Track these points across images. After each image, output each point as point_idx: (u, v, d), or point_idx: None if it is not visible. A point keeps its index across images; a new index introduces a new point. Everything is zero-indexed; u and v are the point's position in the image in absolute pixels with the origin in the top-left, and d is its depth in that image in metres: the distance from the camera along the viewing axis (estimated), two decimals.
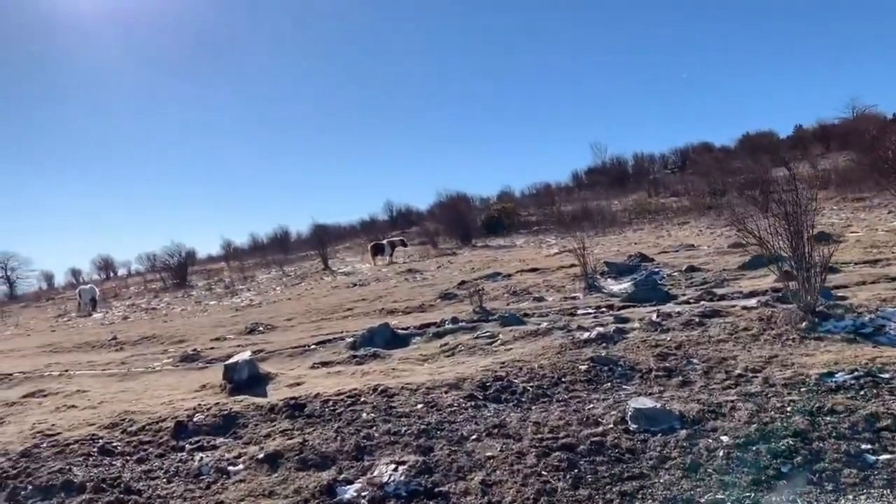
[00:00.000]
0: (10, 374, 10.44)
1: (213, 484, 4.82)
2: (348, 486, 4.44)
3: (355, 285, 20.58)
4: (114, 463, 5.49)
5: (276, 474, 4.79)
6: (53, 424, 6.65)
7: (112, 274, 58.30)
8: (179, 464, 5.28)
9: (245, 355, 7.50)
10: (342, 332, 10.47)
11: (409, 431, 5.15)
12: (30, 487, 5.18)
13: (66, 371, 10.08)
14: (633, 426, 4.86)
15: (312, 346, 9.51)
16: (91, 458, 5.61)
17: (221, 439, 5.75)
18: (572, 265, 15.96)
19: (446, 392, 6.05)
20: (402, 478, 4.40)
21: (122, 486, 5.01)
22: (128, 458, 5.58)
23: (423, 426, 5.22)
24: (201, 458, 5.30)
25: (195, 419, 6.11)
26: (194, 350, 10.48)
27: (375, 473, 4.53)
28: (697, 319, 7.38)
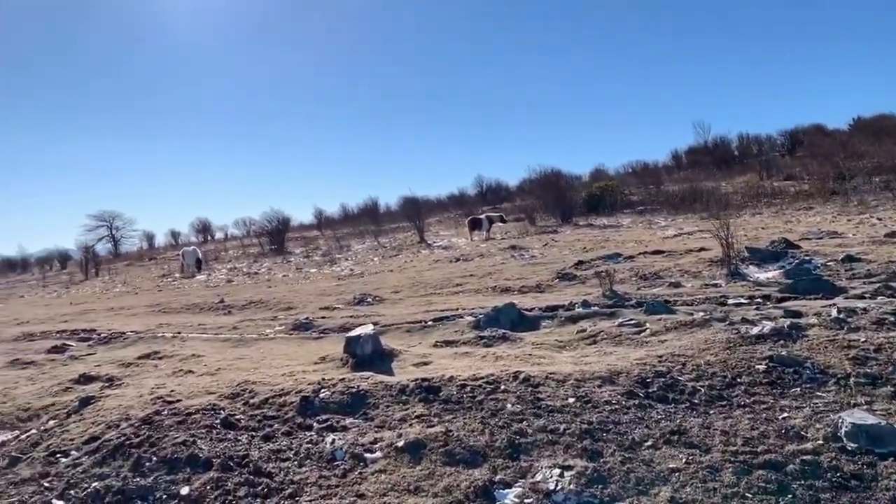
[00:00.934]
0: (124, 333, 10.64)
1: (350, 472, 4.41)
2: (507, 490, 3.91)
3: (458, 260, 20.15)
4: (239, 438, 5.21)
5: (420, 467, 4.32)
6: (173, 390, 6.51)
7: (209, 237, 60.69)
8: (310, 445, 4.92)
9: (368, 329, 7.13)
10: (458, 309, 10.01)
11: (568, 430, 4.56)
12: (154, 459, 4.97)
13: (179, 333, 10.14)
14: (850, 445, 4.07)
15: (430, 323, 9.09)
16: (215, 431, 5.36)
17: (351, 420, 5.36)
18: (702, 249, 14.85)
19: (599, 386, 5.41)
20: (572, 486, 3.82)
21: (250, 465, 4.69)
22: (253, 433, 5.28)
23: (583, 425, 4.62)
24: (333, 440, 4.91)
25: (321, 395, 5.77)
26: (306, 318, 10.31)
27: (538, 478, 3.97)
28: (893, 318, 6.36)
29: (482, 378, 5.75)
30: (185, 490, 4.49)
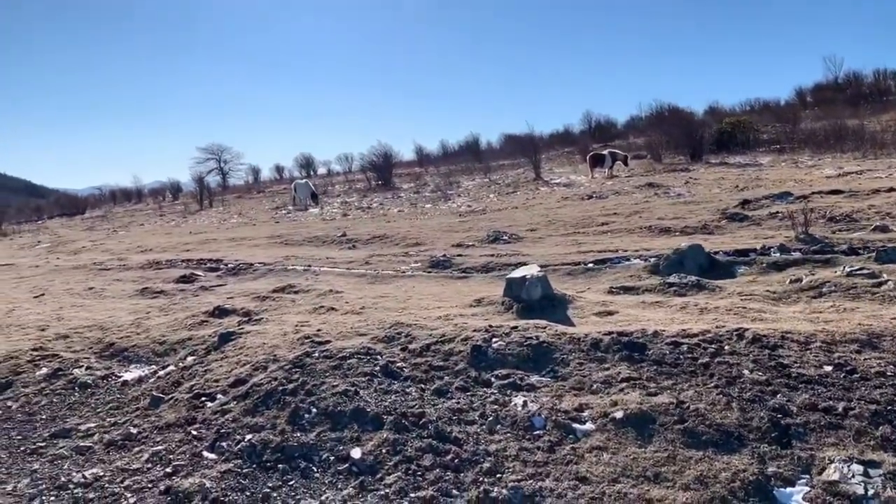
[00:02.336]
0: (251, 265, 10.36)
1: (558, 447, 3.62)
2: (790, 489, 3.01)
3: (590, 198, 18.91)
4: (407, 391, 4.53)
5: (653, 447, 3.47)
6: (319, 329, 5.96)
7: (312, 172, 61.56)
8: (496, 406, 4.17)
9: (533, 270, 6.29)
10: (616, 251, 9.00)
11: (851, 411, 3.54)
12: (314, 410, 4.38)
13: (309, 267, 9.71)
14: None
15: (591, 265, 8.15)
16: (376, 380, 4.72)
17: (537, 377, 4.56)
18: (892, 189, 12.97)
19: (857, 352, 4.34)
20: (892, 491, 2.82)
21: (429, 427, 4.00)
22: (422, 386, 4.60)
23: (870, 405, 3.57)
24: (524, 402, 4.14)
25: (494, 345, 5.00)
26: (443, 256, 9.62)
27: (833, 476, 3.01)
28: None
29: (695, 335, 4.78)
30: (356, 452, 3.85)
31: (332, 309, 6.94)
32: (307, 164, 62.56)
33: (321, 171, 61.40)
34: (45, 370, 6.09)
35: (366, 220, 19.30)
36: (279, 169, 61.30)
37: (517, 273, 6.39)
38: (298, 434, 4.17)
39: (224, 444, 4.22)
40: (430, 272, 8.96)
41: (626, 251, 8.91)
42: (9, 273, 12.21)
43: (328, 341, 5.63)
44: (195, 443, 4.33)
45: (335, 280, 8.69)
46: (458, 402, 4.31)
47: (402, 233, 13.58)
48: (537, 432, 3.85)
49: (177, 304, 8.07)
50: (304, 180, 33.10)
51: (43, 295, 9.42)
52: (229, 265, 10.55)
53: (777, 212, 11.16)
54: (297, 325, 6.22)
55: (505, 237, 11.71)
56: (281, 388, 4.74)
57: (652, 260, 7.91)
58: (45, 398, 5.58)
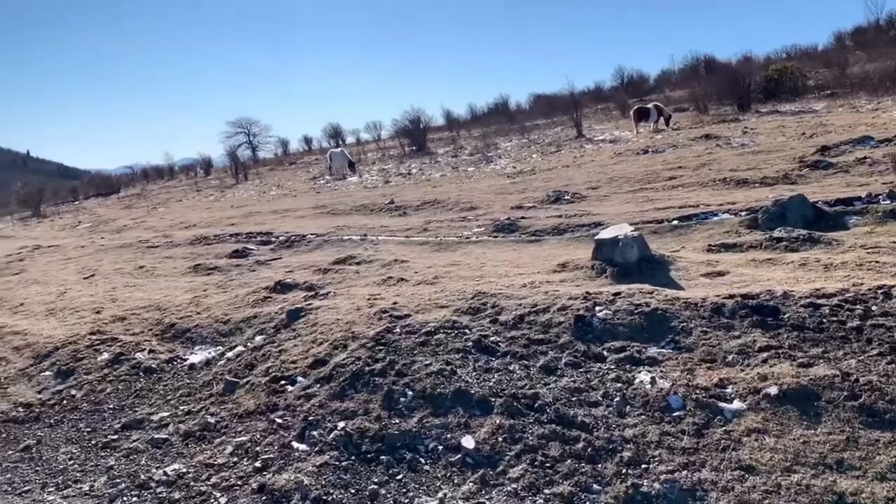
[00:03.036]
0: (304, 236, 10.02)
1: (706, 430, 3.22)
2: None
3: (645, 152, 18.15)
4: (510, 369, 4.12)
5: (825, 428, 3.05)
6: (395, 303, 5.57)
7: (341, 141, 61.21)
8: (619, 384, 3.74)
9: (626, 229, 5.79)
10: (697, 205, 8.43)
11: None
12: (409, 393, 3.99)
13: (365, 236, 9.32)
14: None
15: (674, 222, 7.61)
16: (471, 357, 4.32)
17: (655, 349, 4.11)
18: None
19: None
20: None
21: (548, 411, 3.58)
22: (525, 363, 4.18)
23: None
24: (651, 378, 3.69)
25: (599, 314, 4.54)
26: (507, 219, 9.16)
27: None
28: None
29: (832, 295, 4.27)
30: (468, 441, 3.45)
31: (403, 280, 6.54)
32: (335, 134, 62.37)
33: (349, 139, 61.13)
34: (106, 355, 5.82)
35: (410, 186, 18.85)
36: (307, 140, 61.18)
37: (607, 233, 5.90)
38: (397, 420, 3.80)
39: (314, 433, 3.87)
40: (496, 237, 8.50)
41: (708, 206, 8.32)
42: (55, 254, 12.08)
43: (407, 315, 5.24)
44: (282, 432, 3.99)
45: (397, 249, 8.28)
46: (573, 381, 3.88)
47: (453, 197, 13.11)
48: (676, 414, 3.40)
49: (234, 281, 7.76)
50: (339, 149, 32.75)
51: (93, 275, 9.21)
52: (280, 238, 10.22)
53: (864, 157, 10.41)
54: (369, 299, 5.83)
55: (566, 197, 11.17)
56: (367, 368, 4.37)
57: (743, 214, 7.35)
58: (110, 385, 5.31)
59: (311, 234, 10.10)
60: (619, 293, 4.90)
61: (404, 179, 22.13)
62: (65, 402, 5.15)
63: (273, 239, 10.18)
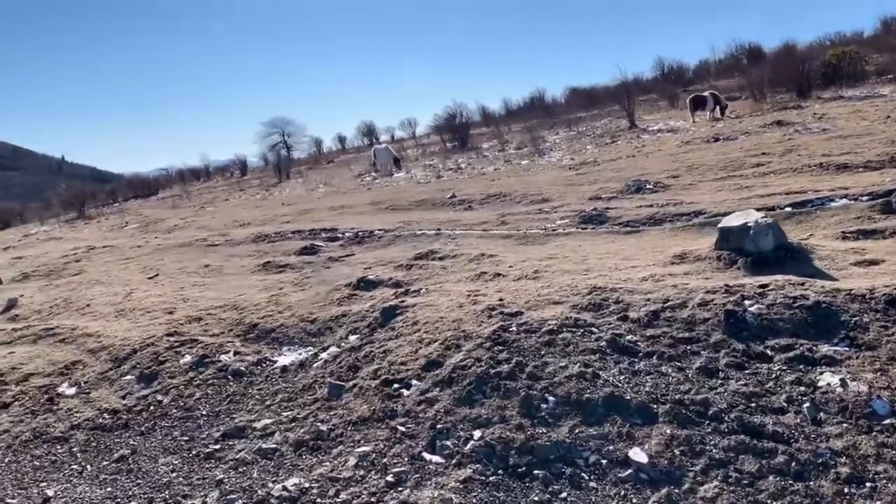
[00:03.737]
0: (372, 232, 9.72)
1: None
2: None
3: (715, 140, 17.53)
4: (662, 371, 3.74)
5: None
6: (501, 299, 5.22)
7: (375, 139, 61.56)
8: (801, 387, 3.34)
9: (755, 216, 5.33)
10: (805, 192, 7.91)
11: None
12: (551, 399, 3.63)
13: (439, 230, 8.98)
14: None
15: (786, 208, 7.13)
16: (611, 359, 3.95)
17: (828, 347, 3.72)
18: None
19: None
20: None
21: (726, 419, 3.20)
22: (677, 364, 3.78)
23: None
24: (841, 381, 3.25)
25: (751, 309, 4.11)
26: (593, 210, 8.74)
27: None
28: None
29: None
30: (638, 454, 3.07)
31: (499, 275, 6.18)
32: (369, 132, 62.95)
33: (384, 137, 61.56)
34: (188, 357, 5.57)
35: (465, 180, 18.52)
36: (341, 139, 61.88)
37: (732, 221, 5.46)
38: (543, 430, 3.43)
39: (447, 442, 3.52)
40: (584, 228, 8.11)
41: (817, 191, 7.81)
42: (112, 254, 12.00)
43: (519, 312, 4.89)
44: (408, 442, 3.65)
45: (479, 243, 7.93)
46: (744, 385, 3.47)
47: (519, 190, 12.71)
48: (888, 422, 2.97)
49: (310, 278, 7.49)
50: (383, 145, 32.56)
51: (157, 275, 9.04)
52: (347, 234, 9.95)
53: None
54: (469, 295, 5.49)
55: (648, 186, 10.69)
56: (493, 370, 4.02)
57: (865, 199, 6.84)
58: (199, 390, 5.04)
59: (379, 230, 9.81)
60: (765, 285, 4.46)
61: (456, 174, 21.77)
62: (152, 408, 4.90)
63: (340, 235, 9.92)
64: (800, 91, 32.91)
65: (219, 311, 6.71)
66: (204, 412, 4.70)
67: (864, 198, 6.90)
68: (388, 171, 27.07)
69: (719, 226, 5.52)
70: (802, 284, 4.40)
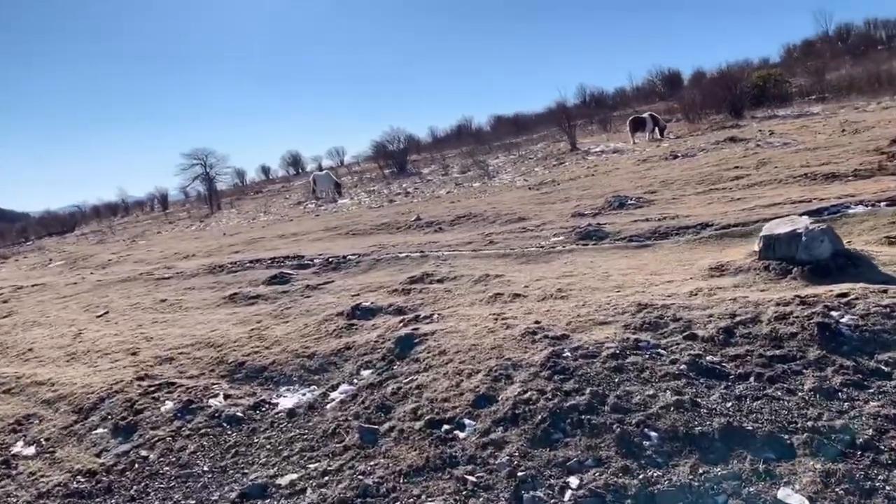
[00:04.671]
0: (345, 257, 9.11)
1: None
2: None
3: (675, 157, 17.61)
4: (769, 394, 3.33)
5: None
6: (537, 321, 4.74)
7: (300, 170, 61.25)
8: None
9: (804, 222, 5.00)
10: (811, 199, 7.82)
11: None
12: (653, 435, 3.16)
13: (423, 253, 8.44)
14: None
15: (803, 216, 6.87)
16: (701, 383, 3.53)
17: None
18: None
19: None
20: None
21: (885, 449, 2.71)
22: (784, 385, 3.39)
23: None
24: None
25: (844, 321, 3.75)
26: (589, 226, 8.37)
27: None
28: None
29: None
30: (791, 497, 2.60)
31: (518, 295, 5.69)
32: (295, 162, 62.71)
33: (310, 166, 61.43)
34: (170, 404, 4.87)
35: (422, 203, 18.02)
36: (265, 169, 61.64)
37: (778, 228, 5.13)
38: (656, 472, 2.92)
39: (538, 493, 2.98)
40: (585, 244, 7.72)
41: (822, 199, 7.66)
42: (45, 293, 10.95)
43: (564, 335, 4.41)
44: (484, 495, 3.09)
45: (476, 263, 7.43)
46: (880, 406, 3.06)
47: (488, 210, 12.31)
48: None
49: (290, 309, 6.82)
50: (323, 172, 31.91)
51: (107, 313, 8.17)
52: (316, 260, 9.29)
53: None
54: (497, 318, 4.98)
55: (630, 202, 10.43)
56: (566, 404, 3.51)
57: (884, 205, 6.68)
58: (191, 442, 4.34)
59: (353, 255, 9.19)
60: (844, 294, 4.11)
61: (407, 198, 21.30)
62: (137, 466, 4.18)
63: (309, 262, 9.24)
64: (734, 111, 34.03)
65: (191, 349, 5.99)
66: (205, 468, 4.00)
67: (883, 203, 6.74)
68: (331, 197, 26.39)
69: (763, 234, 5.18)
70: (885, 292, 4.06)
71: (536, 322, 4.72)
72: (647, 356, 3.92)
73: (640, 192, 11.44)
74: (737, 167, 12.40)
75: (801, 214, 6.85)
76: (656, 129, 30.63)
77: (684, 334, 4.13)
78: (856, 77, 37.42)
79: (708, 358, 3.79)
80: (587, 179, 16.55)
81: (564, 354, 4.09)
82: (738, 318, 4.16)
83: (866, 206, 6.85)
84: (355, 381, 4.73)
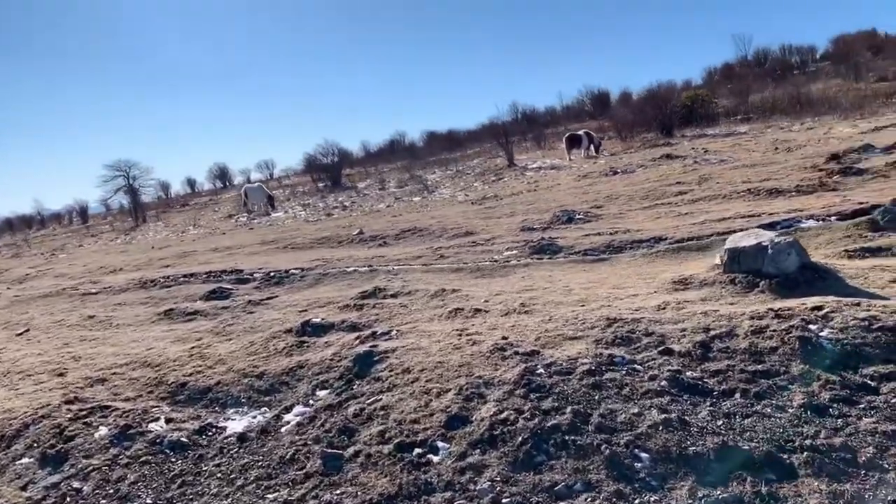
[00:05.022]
0: (287, 272, 8.77)
1: None
2: None
3: (615, 173, 17.88)
4: (757, 410, 3.25)
5: None
6: (505, 337, 4.59)
7: (228, 183, 60.46)
8: None
9: (769, 235, 5.02)
10: (760, 214, 7.96)
11: None
12: (644, 456, 3.04)
13: (371, 267, 8.19)
14: None
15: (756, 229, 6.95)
16: (683, 400, 3.45)
17: None
18: None
19: None
20: None
21: (892, 469, 2.64)
22: (773, 402, 3.34)
23: None
24: None
25: (823, 334, 3.78)
26: (542, 239, 8.29)
27: None
28: None
29: None
30: None
31: (479, 310, 5.51)
32: (222, 175, 61.85)
33: (238, 179, 60.77)
34: (105, 430, 4.49)
35: (362, 217, 17.74)
36: (191, 182, 60.50)
37: (742, 241, 5.12)
38: (652, 496, 2.78)
39: None
40: (540, 258, 7.62)
41: (772, 214, 7.78)
42: None
43: (535, 351, 4.26)
44: None
45: (430, 278, 7.23)
46: (874, 422, 2.98)
47: (433, 224, 12.14)
48: None
49: (233, 326, 6.47)
50: (256, 184, 31.22)
51: (28, 331, 7.61)
52: (256, 275, 8.92)
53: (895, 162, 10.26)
54: (460, 335, 4.79)
55: (578, 216, 10.44)
56: (547, 424, 3.34)
57: (833, 219, 6.81)
58: (131, 471, 4.00)
59: (296, 269, 8.86)
60: (819, 308, 4.08)
61: (346, 212, 21.00)
62: (69, 499, 3.82)
63: (249, 277, 8.86)
64: (664, 130, 35.02)
65: (126, 369, 5.60)
66: (148, 500, 3.67)
67: (833, 218, 6.86)
68: (264, 210, 25.78)
69: (727, 247, 5.16)
70: (858, 305, 4.05)
71: (504, 338, 4.55)
72: (624, 372, 3.80)
73: (587, 207, 11.48)
74: (678, 182, 12.60)
75: (756, 227, 6.93)
76: (591, 147, 31.22)
77: (659, 349, 4.03)
78: (778, 99, 39.15)
79: (688, 373, 3.68)
80: (530, 195, 16.59)
81: (538, 371, 3.93)
82: (713, 332, 4.09)
83: (817, 220, 6.96)
84: (311, 402, 4.46)
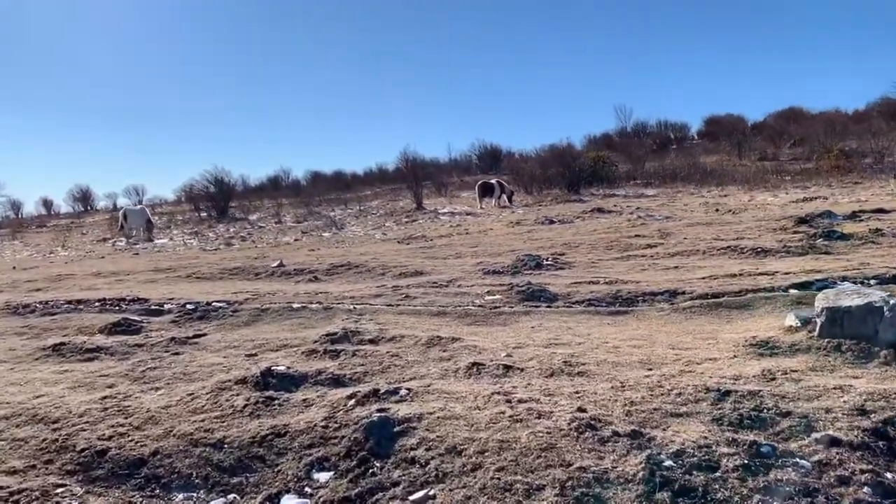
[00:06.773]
0: (209, 304, 7.41)
1: None
2: None
3: (551, 222, 17.34)
4: None
5: None
6: (580, 408, 3.55)
7: (90, 207, 57.64)
8: None
9: (879, 293, 4.22)
10: (775, 273, 7.22)
11: None
12: None
13: (326, 305, 6.95)
14: None
15: (790, 290, 6.27)
16: None
17: None
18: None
19: None
20: None
21: None
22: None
23: None
24: None
25: None
26: (529, 285, 7.30)
27: None
28: None
29: None
30: None
31: (509, 367, 4.44)
32: (84, 197, 59.04)
33: (103, 203, 58.17)
34: None
35: (275, 249, 16.28)
36: (47, 203, 57.23)
37: (845, 300, 4.31)
38: None
39: None
40: (537, 306, 6.65)
41: (786, 274, 7.16)
42: None
43: (637, 432, 3.34)
44: None
45: (410, 321, 6.07)
46: None
47: (370, 262, 10.98)
48: None
49: (157, 370, 5.06)
50: (138, 207, 28.94)
51: None
52: (168, 306, 7.44)
53: (878, 229, 10.05)
54: (506, 401, 3.68)
55: (546, 262, 9.59)
56: None
57: (872, 282, 6.21)
58: None
59: (221, 303, 7.46)
60: None
61: (245, 243, 19.39)
62: None
63: (159, 308, 7.38)
64: (571, 187, 35.68)
65: (9, 426, 4.13)
66: None
67: (872, 281, 6.29)
68: (144, 235, 23.62)
69: (826, 306, 4.33)
70: None
71: (580, 409, 3.47)
72: (790, 470, 2.80)
73: (546, 253, 10.66)
74: (637, 236, 12.05)
75: (789, 287, 6.23)
76: (503, 196, 31.14)
77: (816, 436, 3.06)
78: (679, 167, 40.91)
79: (888, 475, 2.72)
80: (465, 237, 15.72)
81: (665, 464, 2.87)
82: (876, 417, 3.17)
83: (858, 282, 6.35)
84: (308, 489, 3.22)
